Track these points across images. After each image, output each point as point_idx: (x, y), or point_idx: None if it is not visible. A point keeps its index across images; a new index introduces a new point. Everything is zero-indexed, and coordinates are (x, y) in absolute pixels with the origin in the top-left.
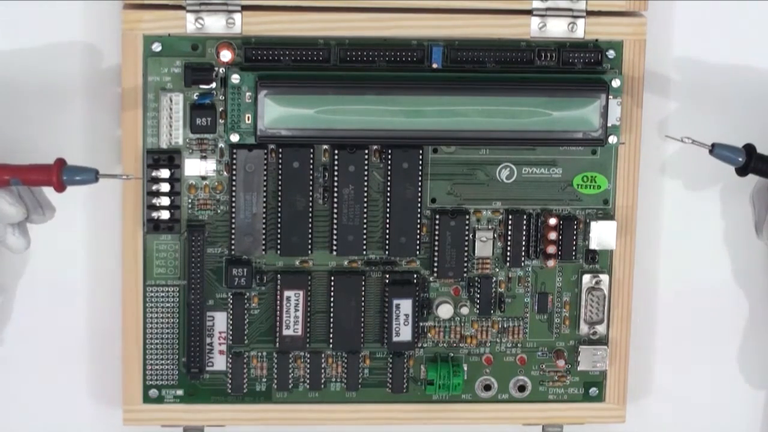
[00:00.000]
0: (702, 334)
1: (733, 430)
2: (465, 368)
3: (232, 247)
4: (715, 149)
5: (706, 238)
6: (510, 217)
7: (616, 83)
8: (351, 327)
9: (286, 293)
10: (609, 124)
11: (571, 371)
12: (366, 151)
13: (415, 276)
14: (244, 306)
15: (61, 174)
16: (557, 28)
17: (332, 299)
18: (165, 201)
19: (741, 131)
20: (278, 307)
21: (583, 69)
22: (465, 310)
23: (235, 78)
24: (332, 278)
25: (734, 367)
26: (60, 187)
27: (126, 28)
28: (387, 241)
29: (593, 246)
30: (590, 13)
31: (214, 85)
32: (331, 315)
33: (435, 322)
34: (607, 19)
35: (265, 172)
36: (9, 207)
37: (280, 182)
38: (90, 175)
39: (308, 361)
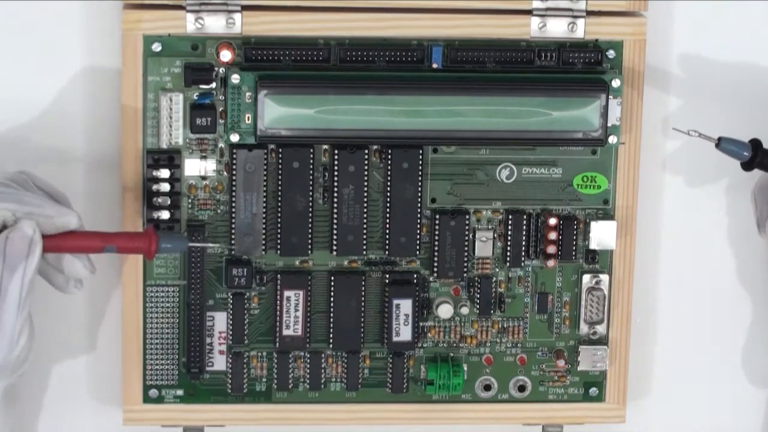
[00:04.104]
0: (703, 333)
1: (733, 430)
2: (465, 368)
3: (232, 247)
4: (721, 143)
5: (706, 237)
6: (510, 217)
7: (616, 83)
8: (351, 327)
9: (286, 293)
10: (609, 124)
11: (571, 371)
12: (366, 151)
13: (415, 276)
14: (244, 306)
15: (157, 245)
16: (557, 28)
17: (332, 299)
18: (165, 201)
19: (741, 131)
20: (278, 307)
21: (583, 69)
22: (465, 310)
23: (235, 78)
24: (332, 278)
25: (736, 367)
26: (152, 257)
27: (126, 28)
28: (387, 241)
29: (593, 246)
30: (590, 13)
31: (214, 85)
32: (331, 315)
33: (435, 322)
34: (607, 19)
35: (265, 172)
36: (85, 272)
37: (280, 182)
38: (183, 245)
39: (308, 361)
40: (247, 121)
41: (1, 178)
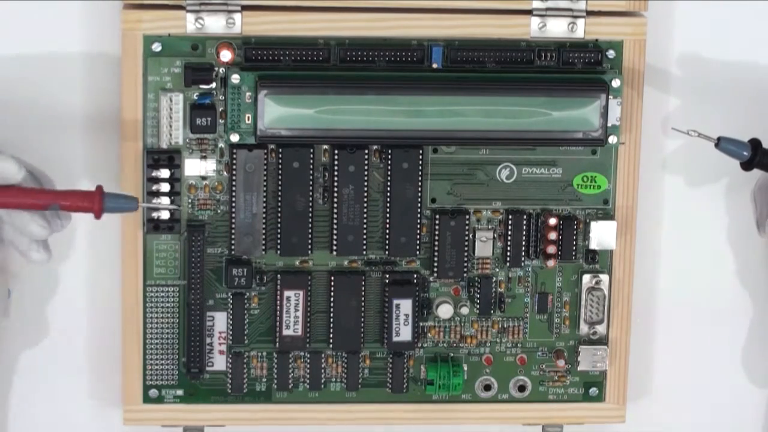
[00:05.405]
0: (703, 333)
1: (733, 430)
2: (465, 368)
3: (232, 247)
4: (720, 143)
5: (706, 237)
6: (510, 217)
7: (616, 83)
8: (351, 327)
9: (286, 293)
10: (609, 124)
11: (571, 371)
12: (366, 151)
13: (415, 276)
14: (244, 306)
15: (102, 203)
16: (557, 28)
17: (332, 299)
18: (165, 201)
19: (741, 131)
20: (278, 307)
21: (583, 69)
22: (465, 310)
23: (235, 78)
24: (332, 278)
25: (736, 367)
26: (99, 215)
27: (126, 28)
28: (387, 241)
29: (593, 246)
30: (590, 13)
31: (214, 85)
32: (331, 315)
33: (435, 322)
34: (607, 19)
35: (265, 172)
36: (40, 229)
37: (280, 182)
38: (131, 204)
39: (308, 361)
40: (247, 121)
41: None
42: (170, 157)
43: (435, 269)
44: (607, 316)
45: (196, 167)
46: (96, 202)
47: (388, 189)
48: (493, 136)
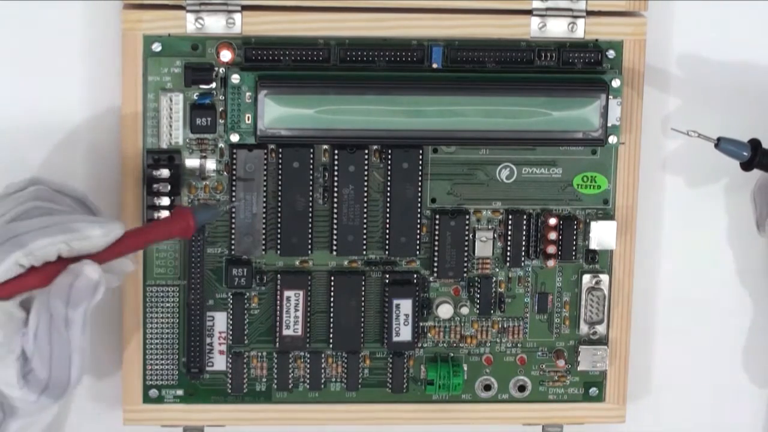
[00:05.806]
0: (703, 333)
1: (733, 430)
2: (465, 368)
3: (232, 247)
4: (720, 143)
5: (706, 237)
6: (510, 217)
7: (616, 83)
8: (351, 327)
9: (286, 293)
10: (609, 124)
11: (571, 371)
12: (366, 151)
13: (415, 276)
14: (244, 306)
15: (195, 223)
16: (557, 28)
17: (332, 299)
18: (165, 201)
19: (741, 131)
20: (278, 307)
21: (583, 69)
22: (465, 310)
23: (235, 78)
24: (332, 278)
25: (737, 367)
26: (191, 235)
27: (126, 28)
28: (387, 241)
29: (593, 246)
30: (590, 13)
31: (214, 85)
32: (331, 315)
33: (435, 322)
34: (607, 19)
35: (265, 172)
36: (132, 265)
37: (280, 182)
38: (216, 212)
39: (308, 361)
40: (247, 121)
41: (26, 200)
42: (170, 157)
43: (435, 269)
44: (607, 316)
45: (196, 167)
46: (191, 222)
47: (388, 189)
48: (493, 136)
